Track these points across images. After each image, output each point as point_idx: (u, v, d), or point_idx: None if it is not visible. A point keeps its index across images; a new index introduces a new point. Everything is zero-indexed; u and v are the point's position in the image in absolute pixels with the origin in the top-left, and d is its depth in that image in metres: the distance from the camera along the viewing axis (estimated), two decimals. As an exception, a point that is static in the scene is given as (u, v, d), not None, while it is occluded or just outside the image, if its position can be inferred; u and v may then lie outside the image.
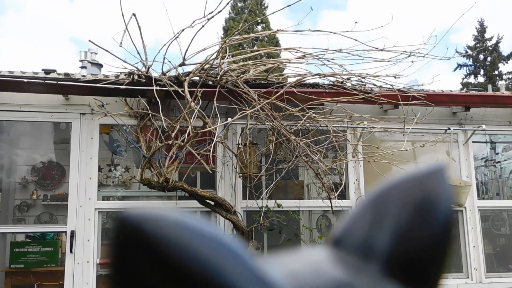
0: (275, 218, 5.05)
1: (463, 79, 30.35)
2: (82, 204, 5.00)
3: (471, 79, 30.20)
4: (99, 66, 7.83)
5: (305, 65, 5.50)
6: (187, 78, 4.81)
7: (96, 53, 7.97)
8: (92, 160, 5.09)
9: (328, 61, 5.37)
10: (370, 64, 6.03)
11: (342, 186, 5.06)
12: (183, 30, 4.70)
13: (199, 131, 4.50)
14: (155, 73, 4.92)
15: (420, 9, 51.46)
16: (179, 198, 5.17)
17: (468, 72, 30.53)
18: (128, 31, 4.51)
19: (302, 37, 5.13)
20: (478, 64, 30.34)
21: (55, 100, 5.07)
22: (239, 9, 25.43)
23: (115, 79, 4.93)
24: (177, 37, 4.72)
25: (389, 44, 5.32)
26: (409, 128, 5.14)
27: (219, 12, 4.60)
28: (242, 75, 5.19)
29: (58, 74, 5.36)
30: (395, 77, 5.59)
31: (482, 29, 30.45)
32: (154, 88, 4.56)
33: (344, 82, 5.60)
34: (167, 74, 4.93)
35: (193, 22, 4.61)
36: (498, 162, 7.38)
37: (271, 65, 5.57)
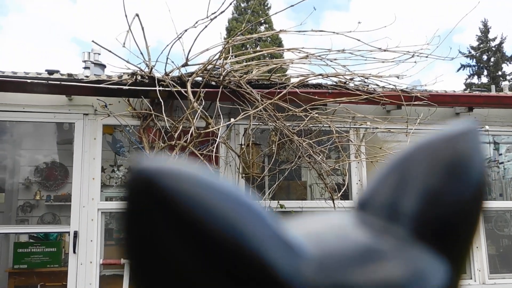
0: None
1: (466, 79, 30.31)
2: (85, 205, 5.00)
3: (475, 80, 30.15)
4: (102, 66, 7.85)
5: (308, 65, 5.51)
6: (190, 78, 4.81)
7: (99, 54, 7.99)
8: (95, 160, 5.09)
9: (331, 61, 5.37)
10: (373, 65, 6.02)
11: (345, 186, 5.06)
12: (186, 30, 4.71)
13: (202, 131, 4.50)
14: (158, 73, 4.92)
15: (422, 10, 51.39)
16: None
17: (472, 72, 30.48)
18: (131, 32, 4.53)
19: (305, 37, 5.14)
20: (481, 65, 30.29)
21: (58, 101, 5.07)
22: (242, 9, 25.44)
23: (118, 79, 4.94)
24: (180, 37, 4.73)
25: (392, 45, 5.33)
26: (412, 129, 5.12)
27: (222, 12, 4.61)
28: (245, 76, 5.19)
29: (61, 74, 5.37)
30: (398, 78, 5.59)
31: (485, 30, 30.40)
32: (157, 88, 4.56)
33: (347, 82, 5.59)
34: (170, 74, 4.93)
35: (196, 22, 4.62)
36: (502, 163, 7.37)
37: (274, 66, 5.57)
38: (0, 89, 4.83)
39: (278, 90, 4.92)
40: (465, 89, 16.84)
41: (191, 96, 4.51)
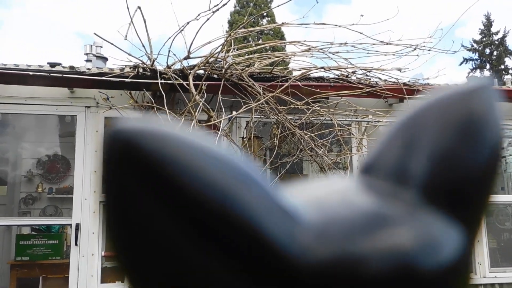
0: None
1: (469, 73, 30.24)
2: (87, 197, 5.02)
3: (477, 73, 30.08)
4: (104, 59, 7.83)
5: (310, 58, 5.50)
6: (192, 71, 4.81)
7: (101, 47, 7.97)
8: (97, 153, 5.10)
9: (333, 54, 5.36)
10: (375, 58, 6.03)
11: (347, 180, 5.05)
12: (188, 23, 4.70)
13: (203, 124, 4.50)
14: (160, 66, 4.92)
15: (425, 3, 51.22)
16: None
17: (474, 66, 30.41)
18: (133, 24, 4.52)
19: (307, 30, 5.14)
20: (484, 59, 30.21)
21: (60, 93, 5.07)
22: (244, 2, 25.37)
23: (120, 72, 4.94)
24: (182, 30, 4.72)
25: (395, 38, 5.31)
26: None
27: (224, 5, 4.60)
28: (247, 69, 5.18)
29: (63, 67, 5.37)
30: (400, 71, 5.58)
31: (488, 23, 30.30)
32: (159, 81, 4.56)
33: (349, 75, 5.59)
34: (172, 67, 4.93)
35: (198, 15, 4.61)
36: (504, 156, 7.36)
37: (276, 59, 5.56)
38: (2, 82, 4.83)
39: (280, 83, 4.92)
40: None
41: (193, 89, 4.51)
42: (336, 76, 5.57)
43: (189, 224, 0.29)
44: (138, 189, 0.29)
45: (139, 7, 4.59)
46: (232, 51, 5.40)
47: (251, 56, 5.58)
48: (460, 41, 25.45)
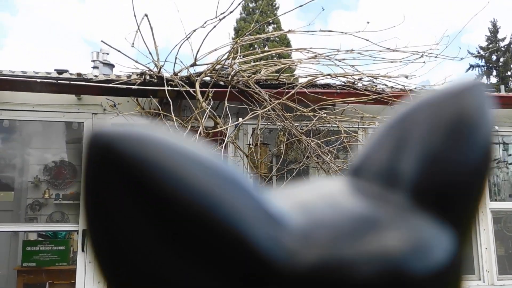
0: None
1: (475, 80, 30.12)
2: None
3: (484, 80, 29.99)
4: (111, 66, 7.88)
5: (316, 65, 5.51)
6: (198, 78, 4.82)
7: (107, 54, 8.02)
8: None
9: (339, 61, 5.37)
10: (382, 65, 6.00)
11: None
12: (194, 30, 4.72)
13: (210, 131, 4.51)
14: (166, 73, 4.94)
15: (431, 10, 51.20)
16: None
17: (481, 72, 30.32)
18: (140, 32, 4.54)
19: (313, 37, 5.15)
20: (490, 65, 30.13)
21: (67, 100, 5.10)
22: (250, 9, 25.46)
23: (127, 79, 4.96)
24: (189, 37, 4.74)
25: (401, 45, 5.31)
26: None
27: (230, 12, 4.62)
28: (253, 76, 5.19)
29: (71, 74, 5.40)
30: (407, 78, 5.58)
31: (494, 30, 30.23)
32: (166, 88, 4.58)
33: (356, 82, 5.58)
34: (178, 74, 4.94)
35: (205, 22, 4.63)
36: (511, 163, 7.32)
37: (283, 66, 5.57)
38: (10, 89, 4.87)
39: (287, 90, 4.92)
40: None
41: (199, 96, 4.52)
42: (343, 83, 5.57)
43: (170, 228, 0.29)
44: (117, 193, 0.29)
45: (146, 15, 4.62)
46: (238, 58, 5.41)
47: (257, 63, 5.60)
48: (466, 47, 25.42)
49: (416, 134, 0.38)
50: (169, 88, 4.63)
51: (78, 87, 4.94)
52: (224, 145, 4.44)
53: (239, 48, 5.20)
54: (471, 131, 0.36)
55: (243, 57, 5.78)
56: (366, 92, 5.30)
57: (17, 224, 7.66)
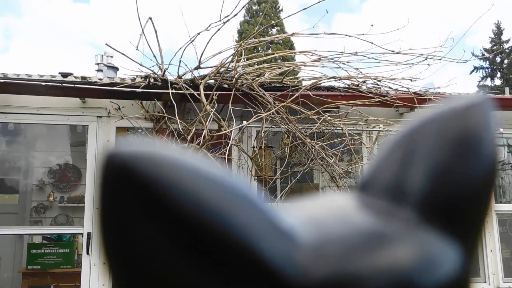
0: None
1: (479, 81, 30.10)
2: (98, 206, 5.03)
3: (488, 82, 29.93)
4: (115, 69, 7.90)
5: (321, 68, 5.52)
6: (202, 81, 4.83)
7: (112, 56, 8.04)
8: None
9: (343, 64, 5.36)
10: (386, 67, 6.02)
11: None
12: (199, 33, 4.73)
13: (214, 134, 4.52)
14: (171, 76, 4.95)
15: (435, 12, 51.14)
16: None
17: (485, 74, 30.27)
18: (144, 35, 4.55)
19: (317, 40, 5.17)
20: (494, 67, 30.07)
21: (72, 103, 5.11)
22: (254, 12, 25.48)
23: (132, 82, 4.97)
24: (193, 40, 4.75)
25: (405, 47, 5.30)
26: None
27: (235, 15, 4.62)
28: (257, 78, 5.20)
29: (75, 77, 5.41)
30: (411, 80, 5.57)
31: (498, 32, 30.18)
32: (170, 91, 4.59)
33: (360, 85, 5.58)
34: (183, 77, 4.95)
35: (209, 25, 4.64)
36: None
37: (287, 68, 5.57)
38: (15, 92, 4.88)
39: (291, 93, 4.92)
40: (478, 92, 16.71)
41: (203, 99, 4.53)
42: (347, 86, 5.57)
43: (185, 246, 0.29)
44: (133, 213, 0.29)
45: (150, 18, 4.63)
46: (242, 61, 5.41)
47: (261, 66, 5.60)
48: (470, 49, 25.41)
49: (423, 150, 0.38)
50: (173, 91, 4.63)
51: (82, 90, 4.95)
52: (228, 148, 4.44)
53: (243, 51, 5.21)
54: (477, 146, 0.37)
55: (247, 59, 5.79)
56: (370, 95, 5.30)
57: (22, 227, 7.68)
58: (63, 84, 4.85)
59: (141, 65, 4.82)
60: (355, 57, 5.35)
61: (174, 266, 0.30)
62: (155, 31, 4.69)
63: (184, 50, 4.80)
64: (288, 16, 6.21)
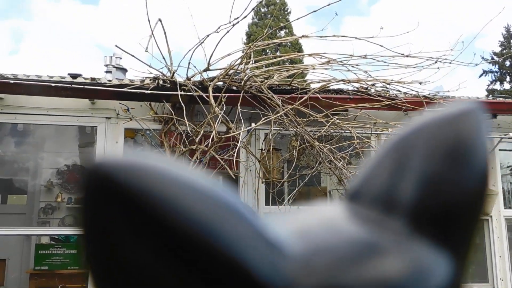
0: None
1: (488, 85, 29.93)
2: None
3: (497, 86, 29.76)
4: (124, 70, 7.91)
5: (329, 71, 5.49)
6: (211, 83, 4.83)
7: (120, 58, 8.06)
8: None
9: (352, 67, 5.35)
10: (395, 70, 5.99)
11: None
12: (208, 35, 4.73)
13: (223, 136, 4.51)
14: (180, 78, 4.95)
15: (445, 15, 50.96)
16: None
17: (494, 78, 30.09)
18: (153, 37, 4.56)
19: (325, 42, 5.14)
20: (504, 71, 29.89)
21: (81, 104, 5.13)
22: (262, 14, 25.48)
23: (141, 84, 4.98)
24: (202, 42, 4.75)
25: (415, 50, 5.28)
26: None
27: (244, 17, 4.62)
28: (266, 81, 5.19)
29: (84, 78, 5.43)
30: (420, 84, 5.54)
31: (508, 35, 30.02)
32: (179, 93, 4.59)
33: (369, 88, 5.56)
34: (191, 79, 4.96)
35: (219, 27, 4.64)
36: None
37: (295, 71, 5.56)
38: (25, 93, 4.90)
39: (299, 96, 4.91)
40: (487, 95, 16.64)
41: (212, 101, 4.53)
42: (356, 89, 5.56)
43: (170, 257, 0.29)
44: (117, 224, 0.29)
45: (160, 20, 4.64)
46: (251, 63, 5.41)
47: (270, 68, 5.60)
48: (480, 52, 25.26)
49: (413, 158, 0.38)
50: (182, 93, 4.64)
51: (91, 91, 4.96)
52: (236, 150, 4.44)
53: (251, 53, 5.20)
54: (468, 154, 0.37)
55: (256, 62, 5.78)
56: (380, 98, 5.28)
57: (29, 228, 7.71)
58: (73, 85, 4.86)
59: (150, 66, 4.83)
60: (364, 60, 5.34)
61: (158, 278, 0.29)
62: (165, 33, 4.70)
63: (193, 52, 4.81)
64: (298, 19, 6.19)
